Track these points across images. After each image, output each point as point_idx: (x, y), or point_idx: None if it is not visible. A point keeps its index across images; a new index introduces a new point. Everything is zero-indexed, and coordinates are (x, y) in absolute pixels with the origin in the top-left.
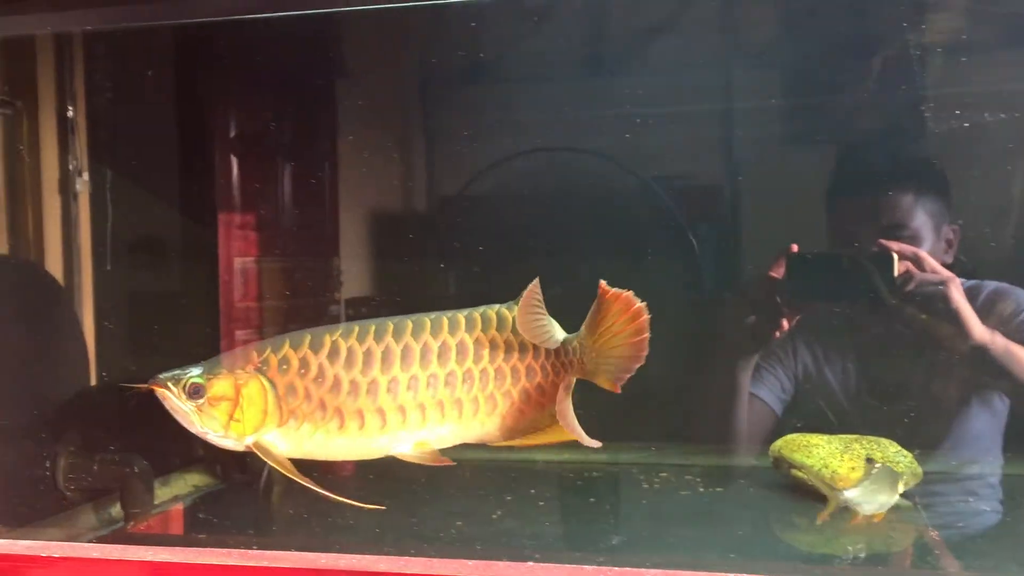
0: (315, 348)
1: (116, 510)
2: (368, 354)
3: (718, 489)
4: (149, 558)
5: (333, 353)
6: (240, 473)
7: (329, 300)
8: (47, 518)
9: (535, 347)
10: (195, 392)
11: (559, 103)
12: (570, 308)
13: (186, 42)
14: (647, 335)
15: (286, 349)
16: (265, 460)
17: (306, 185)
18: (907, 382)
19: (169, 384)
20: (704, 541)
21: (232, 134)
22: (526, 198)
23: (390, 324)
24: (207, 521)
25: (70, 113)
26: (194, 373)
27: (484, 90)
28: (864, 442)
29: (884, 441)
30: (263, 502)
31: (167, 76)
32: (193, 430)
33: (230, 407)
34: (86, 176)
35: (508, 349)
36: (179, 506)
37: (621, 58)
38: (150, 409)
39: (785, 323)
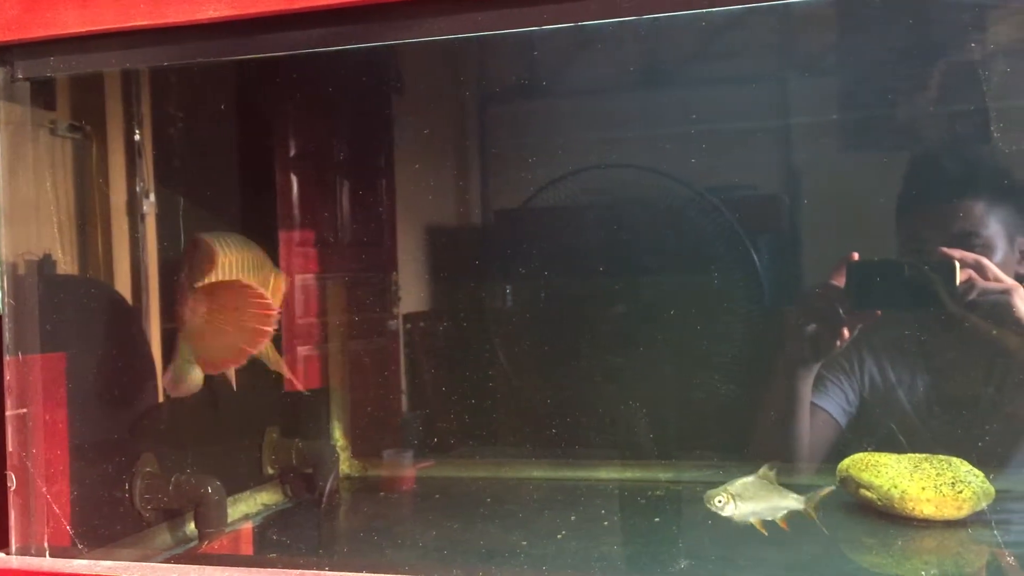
0: None
1: (190, 529)
2: None
3: None
4: None
5: None
6: (308, 492)
7: (388, 315)
8: (124, 538)
9: None
10: None
11: (615, 121)
12: (633, 324)
13: (248, 66)
14: None
15: None
16: None
17: (364, 203)
18: (979, 396)
19: None
20: (771, 562)
21: (292, 154)
22: (583, 215)
23: None
24: (278, 540)
25: (137, 137)
26: None
27: (539, 108)
28: (934, 461)
29: (955, 460)
30: (331, 520)
31: (229, 99)
32: None
33: None
34: (153, 198)
35: None
36: (249, 525)
37: (678, 74)
38: (221, 430)
39: (846, 332)
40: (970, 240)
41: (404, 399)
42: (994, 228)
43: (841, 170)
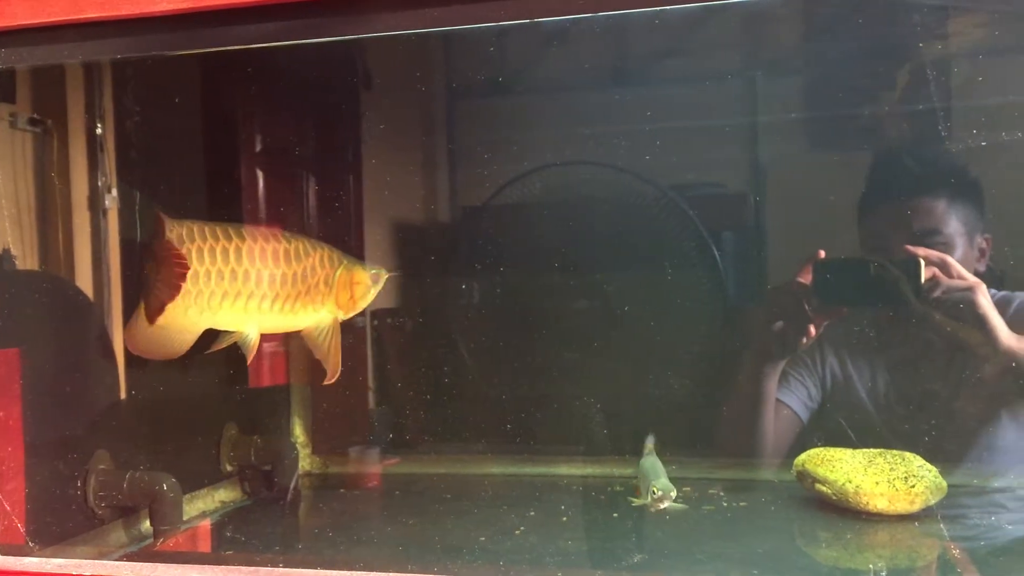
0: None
1: (145, 527)
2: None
3: (741, 504)
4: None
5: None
6: (267, 489)
7: None
8: (78, 535)
9: None
10: None
11: (580, 118)
12: (595, 321)
13: (213, 59)
14: None
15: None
16: None
17: (330, 198)
18: (936, 392)
19: None
20: (727, 557)
21: (258, 149)
22: (546, 212)
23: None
24: (234, 538)
25: (99, 131)
26: None
27: (506, 105)
28: (888, 456)
29: (908, 455)
30: (289, 518)
31: (194, 93)
32: None
33: None
34: (115, 192)
35: None
36: (207, 522)
37: (643, 72)
38: (178, 426)
39: (812, 329)
40: (931, 238)
41: (367, 396)
42: (955, 226)
43: (803, 169)
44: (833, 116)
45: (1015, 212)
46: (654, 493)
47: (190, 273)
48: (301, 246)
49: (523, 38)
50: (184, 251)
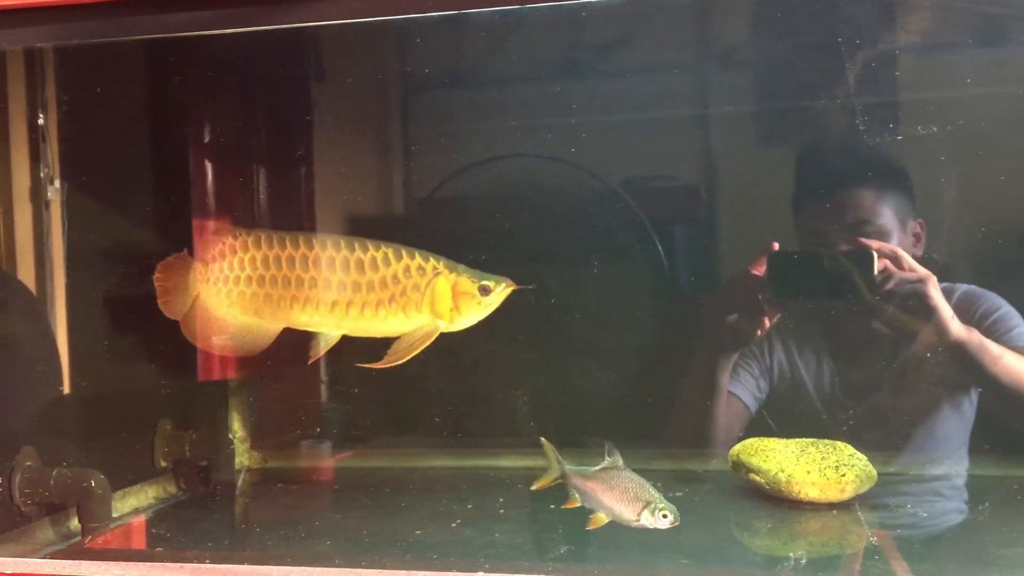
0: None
1: (74, 524)
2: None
3: (678, 494)
4: (100, 573)
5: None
6: (202, 485)
7: None
8: (3, 533)
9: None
10: None
11: (529, 110)
12: (542, 312)
13: (159, 47)
14: None
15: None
16: None
17: (281, 189)
18: (880, 383)
19: None
20: (659, 546)
21: (206, 139)
22: (495, 203)
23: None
24: (164, 535)
25: (41, 121)
26: None
27: (456, 97)
28: (820, 446)
29: (839, 444)
30: (222, 513)
31: (140, 82)
32: None
33: None
34: (58, 184)
35: None
36: (139, 519)
37: (589, 65)
38: (110, 422)
39: (767, 321)
40: (864, 228)
41: (306, 390)
42: (886, 215)
43: (733, 163)
44: (771, 109)
45: (944, 203)
46: (663, 515)
47: (256, 278)
48: (382, 254)
49: (465, 30)
50: (253, 258)
